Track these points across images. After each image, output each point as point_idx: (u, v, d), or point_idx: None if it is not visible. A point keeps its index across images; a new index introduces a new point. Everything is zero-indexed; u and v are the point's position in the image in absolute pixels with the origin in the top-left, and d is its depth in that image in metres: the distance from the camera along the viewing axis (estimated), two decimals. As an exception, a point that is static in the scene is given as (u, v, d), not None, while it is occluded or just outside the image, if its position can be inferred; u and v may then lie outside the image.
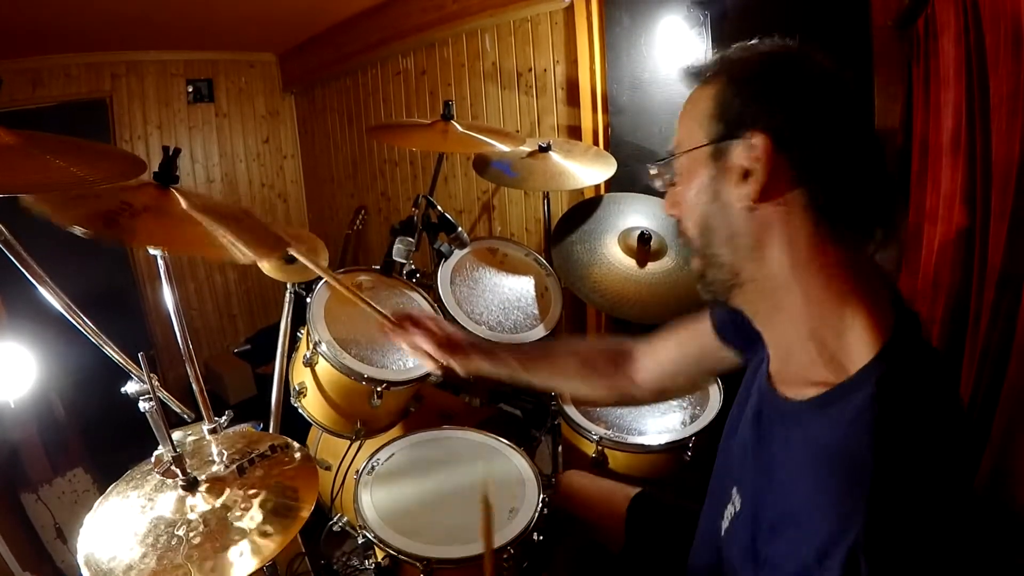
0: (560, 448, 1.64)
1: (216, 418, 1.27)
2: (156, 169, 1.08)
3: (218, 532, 0.95)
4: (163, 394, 1.12)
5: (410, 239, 1.60)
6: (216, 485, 1.04)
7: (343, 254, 3.44)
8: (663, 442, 1.36)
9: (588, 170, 1.82)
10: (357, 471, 1.31)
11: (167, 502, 1.01)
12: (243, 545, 0.93)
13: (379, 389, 1.39)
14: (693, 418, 1.44)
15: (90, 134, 3.02)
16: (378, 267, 1.66)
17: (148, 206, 1.01)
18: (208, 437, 1.21)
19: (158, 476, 1.03)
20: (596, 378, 1.06)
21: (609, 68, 2.10)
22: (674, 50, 1.89)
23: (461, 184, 2.84)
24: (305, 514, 1.00)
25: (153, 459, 1.02)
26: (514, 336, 1.66)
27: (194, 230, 1.03)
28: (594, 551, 1.21)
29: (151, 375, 0.98)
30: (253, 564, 0.90)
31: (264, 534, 0.95)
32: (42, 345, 1.32)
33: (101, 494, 1.05)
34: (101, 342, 1.10)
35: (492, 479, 1.08)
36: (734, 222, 0.64)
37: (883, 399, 0.55)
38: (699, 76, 0.68)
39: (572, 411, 1.47)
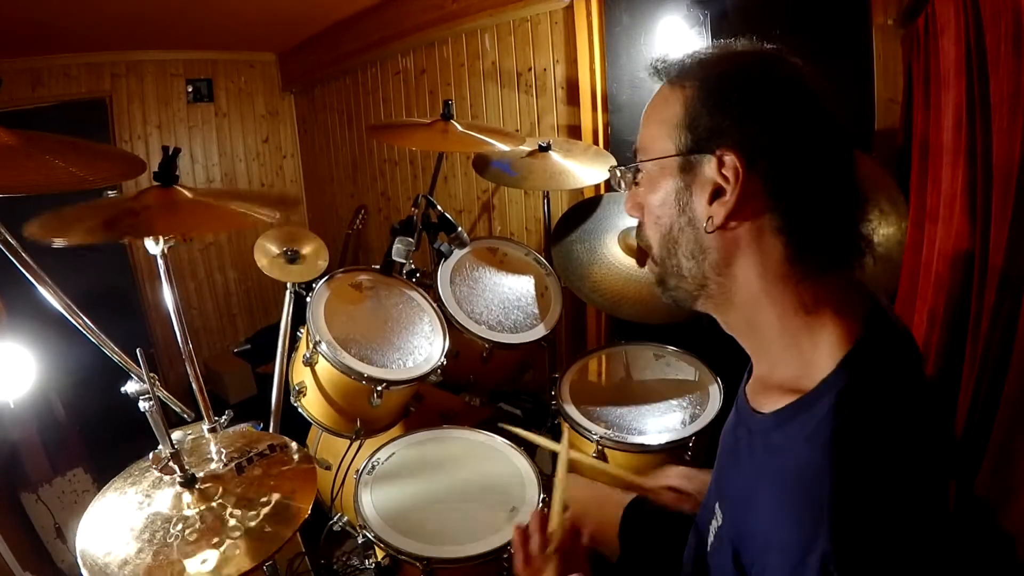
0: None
1: (216, 418, 1.27)
2: (156, 169, 1.08)
3: (214, 529, 0.95)
4: (163, 393, 1.13)
5: (410, 239, 1.60)
6: (214, 483, 1.04)
7: (343, 254, 3.44)
8: (663, 442, 1.36)
9: (588, 169, 1.81)
10: (357, 471, 1.31)
11: (164, 499, 1.01)
12: (239, 543, 0.93)
13: (379, 388, 1.38)
14: (693, 418, 1.44)
15: (90, 134, 3.02)
16: (378, 267, 1.66)
17: (151, 206, 1.01)
18: (207, 436, 1.22)
19: (156, 473, 1.03)
20: None
21: (609, 67, 2.10)
22: (674, 49, 1.89)
23: (461, 184, 2.84)
24: (303, 514, 1.00)
25: (151, 456, 1.02)
26: (514, 335, 1.66)
27: (204, 211, 1.04)
28: (591, 558, 1.21)
29: (151, 374, 0.98)
30: (249, 562, 0.90)
31: (261, 532, 0.95)
32: (42, 345, 1.32)
33: (101, 494, 1.05)
34: (101, 342, 1.11)
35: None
36: (701, 238, 0.62)
37: (842, 410, 0.54)
38: (669, 76, 0.65)
39: (572, 410, 1.47)
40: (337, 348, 1.40)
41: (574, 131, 2.27)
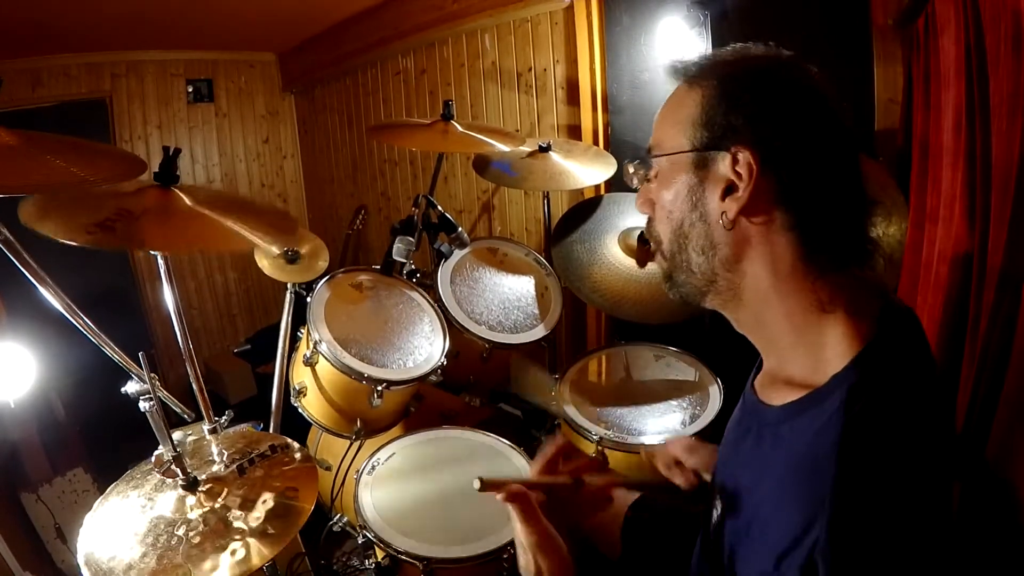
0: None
1: (216, 418, 1.27)
2: (156, 169, 1.08)
3: (218, 532, 0.95)
4: (163, 394, 1.13)
5: (410, 239, 1.60)
6: (216, 485, 1.04)
7: (343, 254, 3.44)
8: (663, 442, 1.36)
9: (588, 170, 1.82)
10: (357, 471, 1.31)
11: (167, 502, 1.02)
12: (243, 544, 0.93)
13: (379, 388, 1.39)
14: (693, 418, 1.44)
15: (90, 134, 3.02)
16: (378, 267, 1.67)
17: (148, 208, 1.01)
18: (208, 437, 1.22)
19: (158, 476, 1.03)
20: None
21: (609, 68, 2.10)
22: (674, 50, 1.89)
23: (461, 184, 2.84)
24: (305, 514, 1.00)
25: (153, 459, 1.02)
26: (514, 336, 1.66)
27: (201, 225, 1.03)
28: (591, 557, 1.21)
29: (151, 375, 0.98)
30: (253, 564, 0.90)
31: (264, 534, 0.95)
32: (42, 345, 1.32)
33: (101, 494, 1.05)
34: (101, 342, 1.11)
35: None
36: (712, 233, 0.63)
37: (852, 406, 0.55)
38: (686, 75, 0.66)
39: (572, 411, 1.47)
40: (337, 348, 1.40)
41: (574, 131, 2.27)
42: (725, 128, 0.60)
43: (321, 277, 1.56)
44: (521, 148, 1.85)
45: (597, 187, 2.06)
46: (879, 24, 1.49)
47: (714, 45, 1.78)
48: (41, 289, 1.04)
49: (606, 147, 2.13)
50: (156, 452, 1.03)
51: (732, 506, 0.67)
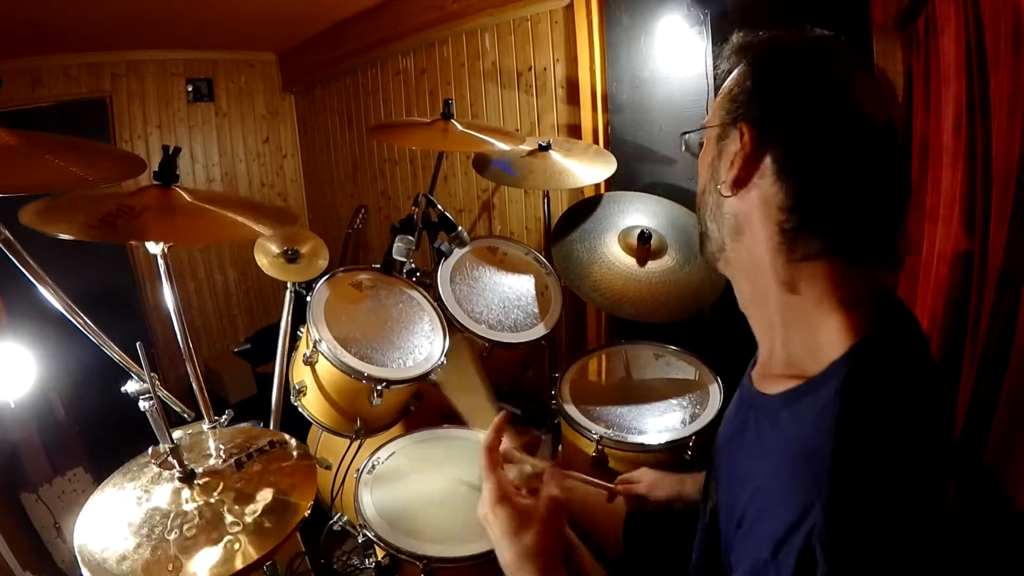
0: (560, 447, 1.65)
1: (216, 417, 1.27)
2: (156, 168, 1.08)
3: (213, 525, 0.95)
4: (163, 393, 1.13)
5: (410, 238, 1.60)
6: (213, 479, 1.04)
7: (343, 253, 3.44)
8: (663, 441, 1.36)
9: (588, 169, 1.81)
10: (357, 470, 1.31)
11: (163, 494, 1.01)
12: (238, 539, 0.93)
13: (379, 388, 1.38)
14: (693, 417, 1.44)
15: (90, 134, 3.02)
16: (378, 266, 1.67)
17: (149, 206, 1.01)
18: (207, 433, 1.22)
19: (155, 468, 1.03)
20: None
21: (609, 67, 2.10)
22: (674, 49, 1.89)
23: (461, 183, 2.84)
24: (302, 511, 1.00)
25: (150, 451, 1.02)
26: (514, 335, 1.66)
27: (202, 217, 1.03)
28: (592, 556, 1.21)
29: (151, 374, 0.98)
30: (248, 558, 0.90)
31: (259, 530, 0.95)
32: (42, 345, 1.32)
33: (101, 493, 1.05)
34: (101, 342, 1.11)
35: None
36: (720, 201, 0.67)
37: (848, 394, 0.56)
38: (735, 55, 0.69)
39: (572, 410, 1.47)
40: (337, 347, 1.40)
41: (574, 130, 2.27)
42: (741, 105, 0.64)
43: (321, 276, 1.56)
44: (521, 147, 1.85)
45: (597, 186, 2.06)
46: (879, 24, 1.49)
47: (714, 44, 1.77)
48: (41, 289, 1.04)
49: (606, 146, 2.13)
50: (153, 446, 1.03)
51: (728, 497, 0.67)
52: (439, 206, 1.69)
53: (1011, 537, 0.96)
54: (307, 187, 4.07)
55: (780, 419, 0.62)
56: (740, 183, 0.64)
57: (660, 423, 1.44)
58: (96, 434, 2.30)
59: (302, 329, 1.54)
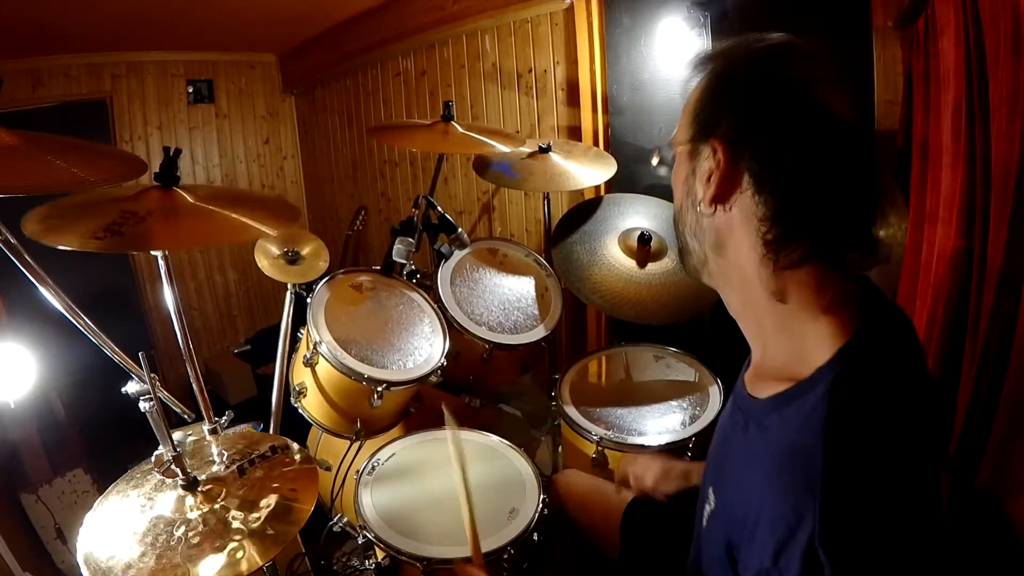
0: (560, 448, 1.64)
1: (216, 418, 1.27)
2: (157, 170, 1.08)
3: (217, 532, 0.95)
4: (163, 394, 1.13)
5: (410, 239, 1.60)
6: (216, 485, 1.04)
7: (343, 254, 3.44)
8: (663, 443, 1.36)
9: (588, 171, 1.82)
10: (357, 471, 1.31)
11: (167, 502, 1.01)
12: (242, 545, 0.93)
13: (379, 389, 1.39)
14: (693, 418, 1.44)
15: (90, 134, 3.02)
16: (378, 267, 1.67)
17: (152, 209, 1.01)
18: (208, 437, 1.22)
19: (158, 475, 1.03)
20: None
21: (609, 69, 2.10)
22: (674, 51, 1.89)
23: (461, 185, 2.84)
24: (305, 515, 1.00)
25: (153, 458, 1.02)
26: (514, 336, 1.66)
27: (206, 220, 1.03)
28: (591, 556, 1.21)
29: (151, 375, 0.98)
30: (253, 564, 0.90)
31: (263, 535, 0.95)
32: (42, 345, 1.32)
33: (101, 494, 1.05)
34: (101, 342, 1.11)
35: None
36: (700, 219, 0.68)
37: (835, 396, 0.56)
38: (696, 68, 0.68)
39: (572, 411, 1.47)
40: (337, 349, 1.40)
41: (574, 132, 2.27)
42: (709, 120, 0.63)
43: (321, 278, 1.56)
44: (521, 149, 1.85)
45: (597, 188, 2.06)
46: (879, 25, 1.49)
47: (714, 45, 1.78)
48: (41, 289, 1.04)
49: (606, 148, 2.13)
50: (156, 452, 1.03)
51: (724, 500, 0.68)
52: (439, 208, 1.69)
53: (1011, 537, 0.96)
54: (307, 188, 4.07)
55: (768, 423, 0.62)
56: (719, 200, 0.64)
57: (660, 424, 1.44)
58: (96, 435, 2.30)
59: (302, 330, 1.54)
